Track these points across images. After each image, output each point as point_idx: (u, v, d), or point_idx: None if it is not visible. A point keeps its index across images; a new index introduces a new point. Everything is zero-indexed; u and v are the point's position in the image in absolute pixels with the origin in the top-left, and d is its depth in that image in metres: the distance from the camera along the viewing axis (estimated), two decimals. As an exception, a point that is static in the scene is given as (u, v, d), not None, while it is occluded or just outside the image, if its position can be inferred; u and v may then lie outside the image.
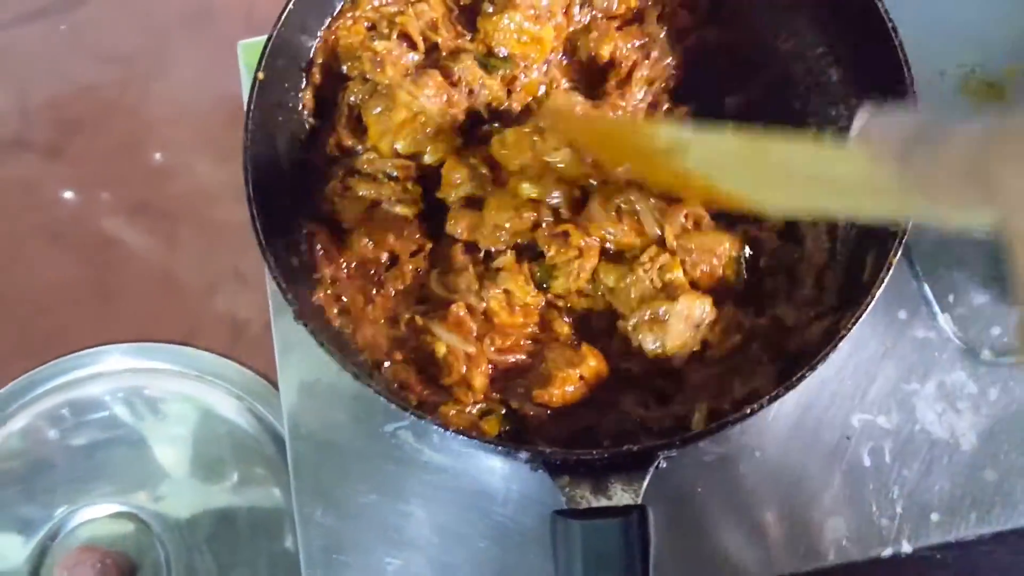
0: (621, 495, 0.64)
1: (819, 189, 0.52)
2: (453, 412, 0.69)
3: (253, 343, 1.00)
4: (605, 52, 0.81)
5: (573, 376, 0.70)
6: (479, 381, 0.71)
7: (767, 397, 0.64)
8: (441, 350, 0.72)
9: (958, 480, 0.79)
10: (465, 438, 0.65)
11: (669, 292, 0.71)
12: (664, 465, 0.67)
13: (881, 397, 0.82)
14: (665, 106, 0.83)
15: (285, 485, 0.90)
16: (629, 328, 0.72)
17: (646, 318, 0.71)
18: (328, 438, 0.84)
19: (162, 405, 1.01)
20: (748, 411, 0.63)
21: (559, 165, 0.73)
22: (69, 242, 1.08)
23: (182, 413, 1.00)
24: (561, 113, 0.78)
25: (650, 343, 0.71)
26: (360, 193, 0.78)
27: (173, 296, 1.05)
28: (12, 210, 1.10)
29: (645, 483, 0.64)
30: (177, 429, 0.99)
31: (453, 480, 0.82)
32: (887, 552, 0.78)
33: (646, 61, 0.82)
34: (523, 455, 0.65)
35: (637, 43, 0.83)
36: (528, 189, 0.74)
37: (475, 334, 0.73)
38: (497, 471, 0.82)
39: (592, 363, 0.71)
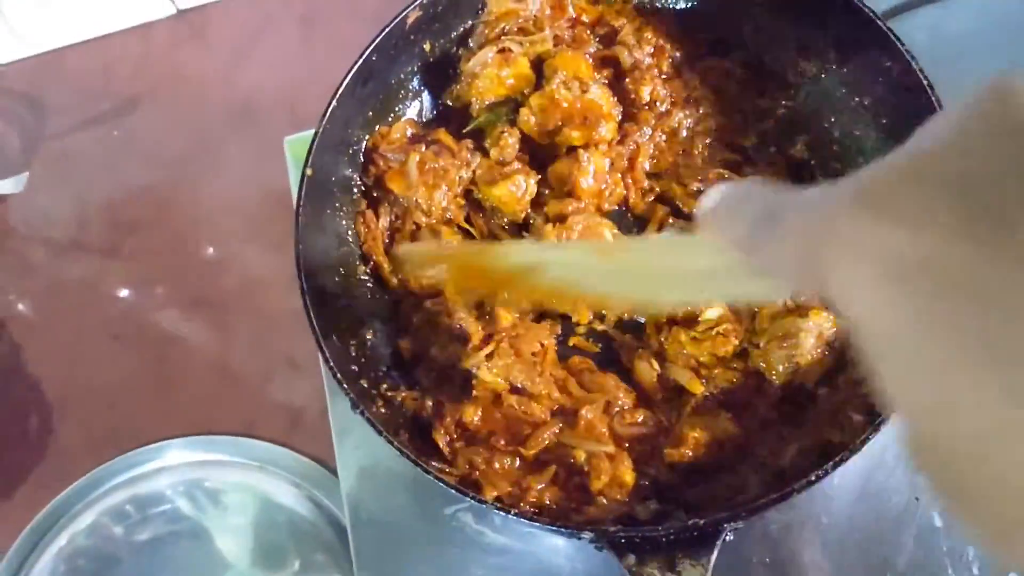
0: (690, 571, 0.63)
1: (684, 281, 0.50)
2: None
3: (310, 430, 1.01)
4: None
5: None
6: (628, 476, 0.72)
7: (830, 464, 0.63)
8: (581, 456, 0.74)
9: (1033, 535, 0.77)
10: (528, 522, 0.65)
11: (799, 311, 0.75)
12: (731, 538, 0.66)
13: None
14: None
15: (346, 571, 0.91)
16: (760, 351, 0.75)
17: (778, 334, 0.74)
18: (388, 521, 0.85)
19: (223, 496, 1.02)
20: (809, 480, 0.63)
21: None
22: (128, 339, 1.11)
23: (242, 503, 1.01)
24: (417, 252, 0.80)
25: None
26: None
27: (230, 387, 1.06)
28: (73, 310, 1.13)
29: (713, 558, 0.63)
30: (238, 519, 1.00)
31: (516, 561, 0.82)
32: (966, 613, 0.76)
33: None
34: (586, 535, 0.64)
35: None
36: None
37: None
38: (561, 550, 0.82)
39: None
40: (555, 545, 0.82)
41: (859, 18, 0.78)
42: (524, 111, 0.84)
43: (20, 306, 1.14)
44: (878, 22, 0.77)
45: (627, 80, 0.86)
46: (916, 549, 0.78)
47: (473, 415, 0.77)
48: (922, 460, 0.27)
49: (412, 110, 0.91)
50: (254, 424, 1.03)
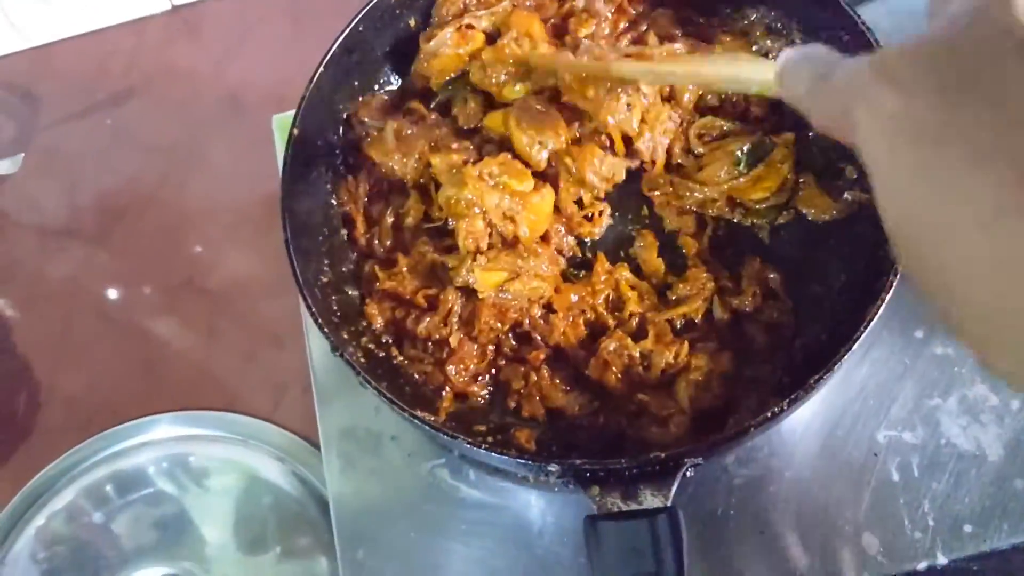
0: (651, 500, 0.67)
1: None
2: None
3: (294, 407, 1.04)
4: None
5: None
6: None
7: (787, 401, 0.67)
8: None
9: (988, 491, 0.81)
10: (497, 455, 0.69)
11: None
12: (691, 474, 0.70)
13: (905, 414, 0.85)
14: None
15: (328, 546, 0.93)
16: None
17: None
18: (367, 480, 0.88)
19: (206, 477, 1.03)
20: (769, 415, 0.67)
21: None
22: (115, 320, 1.14)
23: (226, 484, 1.03)
24: (544, 56, 0.86)
25: None
26: None
27: (214, 365, 1.09)
28: (62, 293, 1.17)
29: (674, 488, 0.67)
30: (222, 498, 1.02)
31: (492, 516, 0.85)
32: (922, 565, 0.80)
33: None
34: (553, 467, 0.68)
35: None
36: (518, 89, 0.85)
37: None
38: (533, 505, 0.85)
39: None
40: (528, 500, 0.86)
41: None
42: (473, 67, 0.88)
43: (11, 287, 1.18)
44: (843, 4, 0.83)
45: (571, 21, 0.91)
46: (874, 502, 0.82)
47: (489, 314, 0.81)
48: (907, 256, 0.39)
49: (397, 82, 0.96)
50: (238, 401, 1.06)
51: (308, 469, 1.01)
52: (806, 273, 0.83)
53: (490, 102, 0.88)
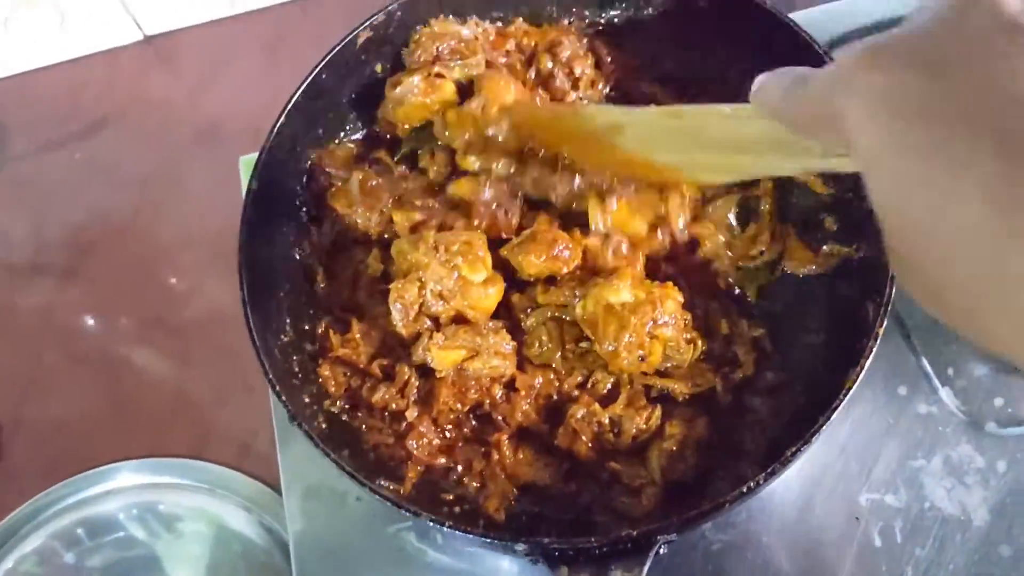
0: (622, 578, 0.63)
1: (733, 151, 0.60)
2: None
3: (261, 455, 1.01)
4: None
5: None
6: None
7: (763, 474, 0.64)
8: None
9: (973, 557, 0.78)
10: (463, 534, 0.65)
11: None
12: (664, 551, 0.66)
13: (888, 475, 0.82)
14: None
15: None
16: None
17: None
18: (332, 542, 0.85)
19: (177, 523, 1.01)
20: (744, 490, 0.63)
21: (499, 138, 0.80)
22: (84, 361, 1.11)
23: (196, 530, 1.00)
24: (514, 105, 0.83)
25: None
26: None
27: (183, 411, 1.06)
28: (30, 332, 1.13)
29: (647, 566, 0.64)
30: (192, 547, 1.00)
31: (458, 581, 0.82)
32: (905, 636, 0.76)
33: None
34: (520, 547, 0.65)
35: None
36: (473, 161, 0.81)
37: None
38: (504, 571, 0.82)
39: None
40: (497, 565, 0.82)
41: (799, 43, 0.80)
42: (437, 121, 0.85)
43: (-25, 327, 1.14)
44: (816, 47, 0.80)
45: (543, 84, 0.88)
46: (855, 569, 0.79)
47: (449, 393, 0.78)
48: (899, 242, 0.39)
49: (363, 130, 0.92)
50: (206, 448, 1.03)
51: (275, 519, 0.98)
52: (786, 331, 0.79)
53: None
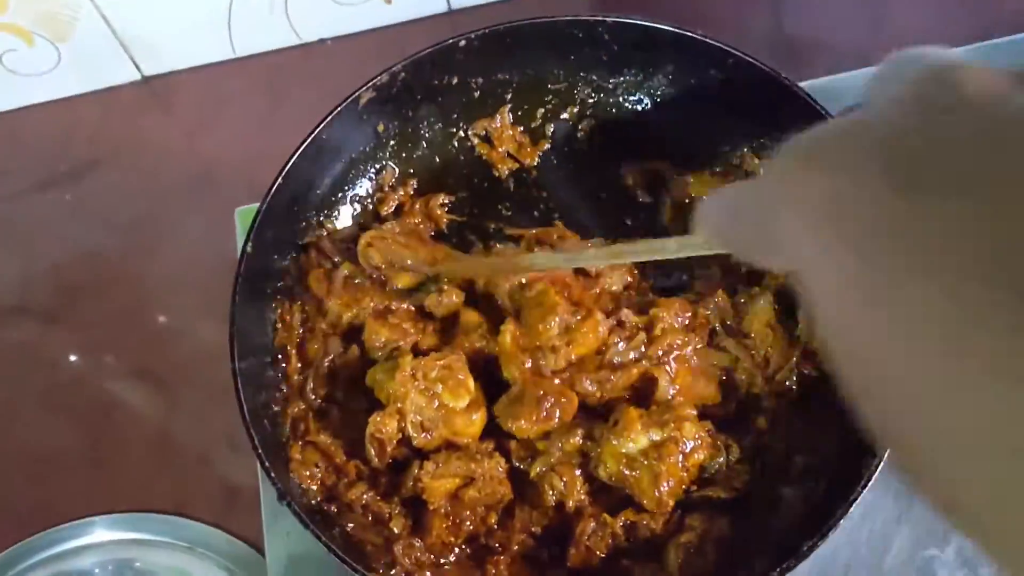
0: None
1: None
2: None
3: (244, 513, 0.96)
4: None
5: None
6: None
7: (779, 570, 0.60)
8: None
9: (986, 651, 0.74)
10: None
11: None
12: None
13: (899, 565, 0.78)
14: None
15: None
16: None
17: None
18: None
19: (153, 583, 0.96)
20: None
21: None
22: (65, 409, 1.06)
23: (173, 591, 0.96)
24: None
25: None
26: None
27: (165, 464, 1.01)
28: (9, 376, 1.09)
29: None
30: None
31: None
32: None
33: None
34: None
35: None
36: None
37: None
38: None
39: None
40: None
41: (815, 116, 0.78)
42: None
43: (-45, 369, 1.10)
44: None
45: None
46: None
47: (442, 525, 0.73)
48: (861, 405, 0.29)
49: (363, 188, 0.89)
50: (187, 503, 0.98)
51: (256, 580, 0.93)
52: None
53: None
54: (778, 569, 0.61)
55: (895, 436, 0.29)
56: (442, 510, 0.72)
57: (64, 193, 1.18)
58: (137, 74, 1.23)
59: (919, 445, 0.27)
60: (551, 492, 0.72)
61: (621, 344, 0.74)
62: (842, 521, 0.63)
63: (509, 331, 0.76)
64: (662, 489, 0.68)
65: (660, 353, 0.74)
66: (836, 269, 0.28)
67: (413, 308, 0.80)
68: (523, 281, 0.77)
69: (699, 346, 0.76)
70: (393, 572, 0.69)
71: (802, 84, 0.81)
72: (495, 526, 0.73)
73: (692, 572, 0.69)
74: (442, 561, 0.72)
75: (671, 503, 0.69)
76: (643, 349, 0.75)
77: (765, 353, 0.76)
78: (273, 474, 0.65)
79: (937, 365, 0.25)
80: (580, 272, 0.80)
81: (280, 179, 0.75)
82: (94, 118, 1.23)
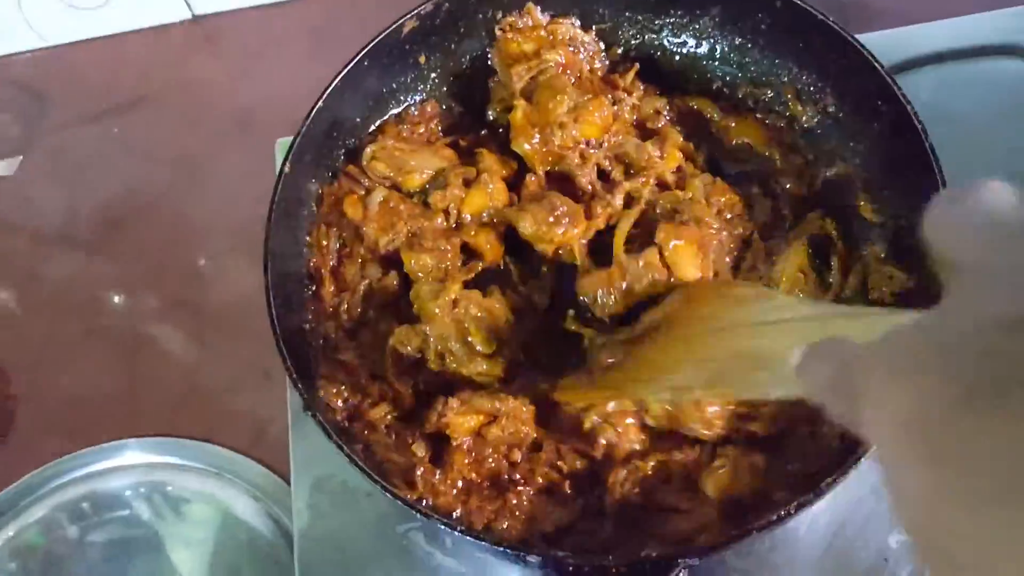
0: (640, 606, 0.60)
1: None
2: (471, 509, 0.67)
3: (273, 442, 0.99)
4: None
5: None
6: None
7: (793, 504, 0.60)
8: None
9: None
10: (474, 540, 0.62)
11: None
12: (684, 575, 0.63)
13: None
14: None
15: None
16: None
17: None
18: (338, 537, 0.83)
19: (183, 505, 1.00)
20: (770, 520, 0.60)
21: None
22: (102, 337, 1.10)
23: (203, 515, 0.99)
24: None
25: None
26: None
27: (198, 393, 1.05)
28: (50, 303, 1.13)
29: (666, 591, 0.61)
30: (197, 532, 0.99)
31: (466, 585, 0.79)
32: None
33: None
34: (533, 559, 0.62)
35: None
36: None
37: None
38: (512, 577, 0.79)
39: None
40: (506, 574, 0.79)
41: (864, 66, 0.78)
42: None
43: (-1, 292, 1.14)
44: (880, 69, 0.77)
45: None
46: (881, 610, 0.75)
47: (463, 461, 0.74)
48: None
49: (401, 118, 0.91)
50: (217, 432, 1.01)
51: (283, 510, 0.96)
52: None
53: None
54: (794, 504, 0.61)
55: None
56: (464, 446, 0.74)
57: (112, 127, 1.22)
58: (187, 12, 1.26)
59: None
60: (603, 442, 0.73)
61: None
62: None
63: (521, 107, 0.82)
64: (708, 411, 0.70)
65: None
66: (914, 479, 0.30)
67: (444, 226, 0.83)
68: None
69: (721, 232, 0.79)
70: (412, 496, 0.71)
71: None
72: (518, 460, 0.74)
73: (731, 495, 0.69)
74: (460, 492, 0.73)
75: (719, 423, 0.70)
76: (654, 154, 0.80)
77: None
78: (300, 385, 0.67)
79: None
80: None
81: (320, 102, 0.77)
82: (143, 55, 1.27)
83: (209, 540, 0.97)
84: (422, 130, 0.89)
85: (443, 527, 0.63)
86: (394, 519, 0.82)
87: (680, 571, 0.63)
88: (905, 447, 0.30)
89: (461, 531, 0.63)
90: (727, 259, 0.79)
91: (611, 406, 0.72)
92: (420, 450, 0.74)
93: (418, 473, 0.72)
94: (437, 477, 0.72)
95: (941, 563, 0.29)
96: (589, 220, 0.80)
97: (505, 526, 0.70)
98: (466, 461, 0.74)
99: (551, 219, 0.78)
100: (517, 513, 0.71)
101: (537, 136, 0.81)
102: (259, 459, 0.99)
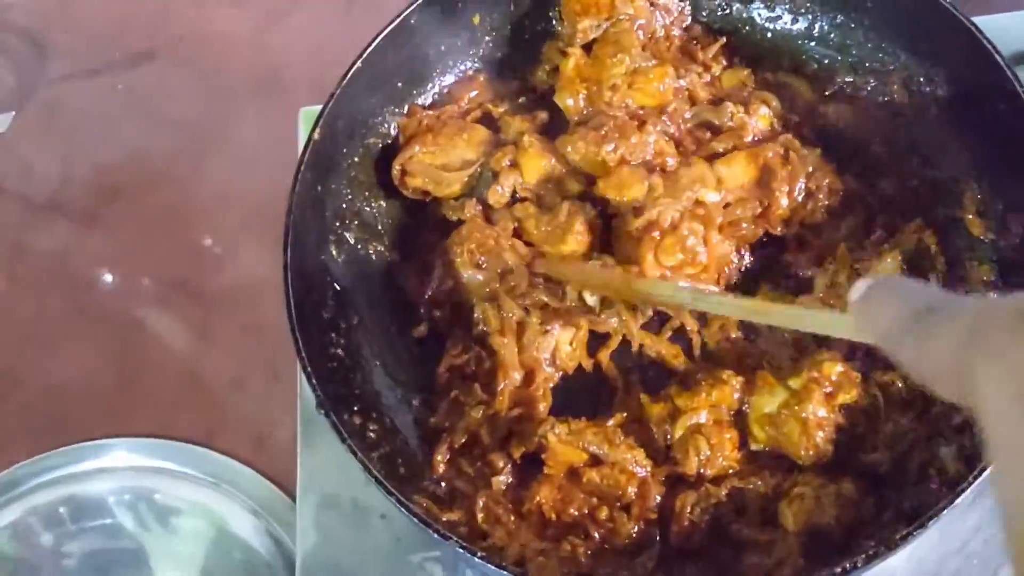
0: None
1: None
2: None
3: (278, 451, 0.98)
4: None
5: None
6: None
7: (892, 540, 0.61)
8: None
9: None
10: (495, 569, 0.62)
11: None
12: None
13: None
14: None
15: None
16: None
17: None
18: (345, 562, 0.83)
19: (172, 516, 1.00)
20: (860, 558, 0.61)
21: None
22: (92, 320, 1.11)
23: (194, 528, 0.99)
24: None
25: None
26: None
27: (197, 390, 1.05)
28: (37, 279, 1.14)
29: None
30: (186, 547, 0.99)
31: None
32: None
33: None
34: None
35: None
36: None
37: None
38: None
39: None
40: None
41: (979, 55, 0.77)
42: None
43: (-19, 266, 1.14)
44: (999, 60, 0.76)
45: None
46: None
47: (549, 495, 0.74)
48: None
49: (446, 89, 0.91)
50: (216, 436, 1.01)
51: (285, 529, 0.95)
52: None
53: None
54: (865, 554, 0.61)
55: None
56: (556, 481, 0.73)
57: (116, 83, 1.22)
58: (208, -45, 1.27)
59: None
60: (695, 457, 0.73)
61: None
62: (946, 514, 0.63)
63: (575, 56, 0.84)
64: (816, 439, 0.70)
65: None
66: None
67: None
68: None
69: None
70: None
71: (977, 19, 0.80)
72: (602, 519, 0.73)
73: (813, 529, 0.69)
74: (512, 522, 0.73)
75: (829, 448, 0.70)
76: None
77: None
78: (315, 380, 0.67)
79: None
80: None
81: (359, 62, 0.76)
82: (154, 4, 1.27)
83: (199, 557, 0.98)
84: (461, 106, 0.90)
85: (461, 551, 0.63)
86: (410, 546, 0.81)
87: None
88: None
89: (482, 558, 0.62)
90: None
91: (703, 417, 0.74)
92: (500, 460, 0.75)
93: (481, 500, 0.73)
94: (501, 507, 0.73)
95: None
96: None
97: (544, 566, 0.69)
98: (551, 496, 0.73)
99: (601, 136, 0.79)
100: (564, 559, 0.71)
101: (584, 93, 0.82)
102: (261, 469, 0.98)
